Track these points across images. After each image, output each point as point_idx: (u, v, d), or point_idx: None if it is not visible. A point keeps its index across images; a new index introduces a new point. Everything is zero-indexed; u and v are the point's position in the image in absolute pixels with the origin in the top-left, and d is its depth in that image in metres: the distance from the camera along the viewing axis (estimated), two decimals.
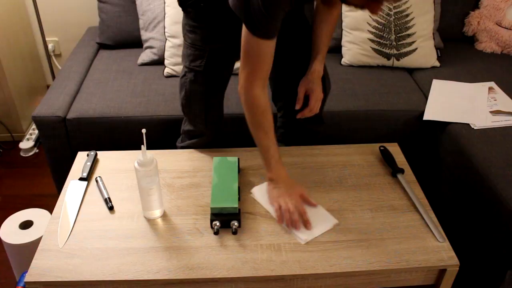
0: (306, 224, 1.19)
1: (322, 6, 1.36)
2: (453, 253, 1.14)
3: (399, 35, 1.97)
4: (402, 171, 1.38)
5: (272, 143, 1.25)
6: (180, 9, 1.35)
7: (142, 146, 1.12)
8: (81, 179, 1.34)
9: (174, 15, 1.92)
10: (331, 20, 1.37)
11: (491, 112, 1.71)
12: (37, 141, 2.35)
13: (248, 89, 1.21)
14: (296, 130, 1.56)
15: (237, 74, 1.25)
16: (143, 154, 1.12)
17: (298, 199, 1.23)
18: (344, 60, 2.05)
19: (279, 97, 1.55)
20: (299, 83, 1.41)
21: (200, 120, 1.46)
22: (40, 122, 1.72)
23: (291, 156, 1.45)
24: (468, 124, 1.65)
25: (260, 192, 1.30)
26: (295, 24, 1.41)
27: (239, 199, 1.25)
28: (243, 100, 1.24)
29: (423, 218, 1.23)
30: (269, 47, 1.16)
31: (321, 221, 1.21)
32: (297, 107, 1.41)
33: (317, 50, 1.38)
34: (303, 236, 1.17)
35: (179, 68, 1.92)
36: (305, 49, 1.42)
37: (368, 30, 1.98)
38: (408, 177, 1.37)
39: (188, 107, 1.45)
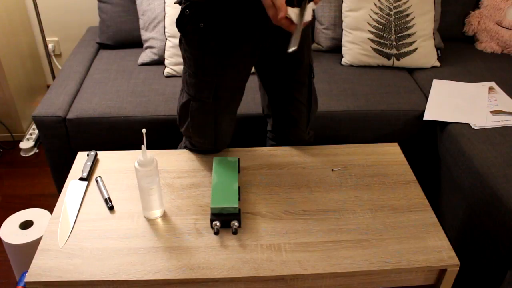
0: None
1: None
2: (453, 253, 1.14)
3: (399, 35, 1.97)
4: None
5: None
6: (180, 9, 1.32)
7: (142, 146, 1.12)
8: (81, 179, 1.34)
9: (174, 15, 1.92)
10: None
11: (491, 112, 1.71)
12: (37, 141, 2.35)
13: None
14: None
15: None
16: (143, 154, 1.12)
17: None
18: (344, 60, 2.05)
19: (269, 113, 1.50)
20: (286, 101, 1.37)
21: (209, 143, 1.38)
22: (40, 122, 1.72)
23: (291, 156, 1.45)
24: (468, 124, 1.65)
25: None
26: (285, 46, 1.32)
27: (239, 199, 1.24)
28: None
29: None
30: None
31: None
32: (281, 15, 0.98)
33: None
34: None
35: (179, 68, 1.92)
36: (296, 68, 1.36)
37: (368, 30, 1.98)
38: (408, 177, 1.37)
39: (195, 132, 1.36)
